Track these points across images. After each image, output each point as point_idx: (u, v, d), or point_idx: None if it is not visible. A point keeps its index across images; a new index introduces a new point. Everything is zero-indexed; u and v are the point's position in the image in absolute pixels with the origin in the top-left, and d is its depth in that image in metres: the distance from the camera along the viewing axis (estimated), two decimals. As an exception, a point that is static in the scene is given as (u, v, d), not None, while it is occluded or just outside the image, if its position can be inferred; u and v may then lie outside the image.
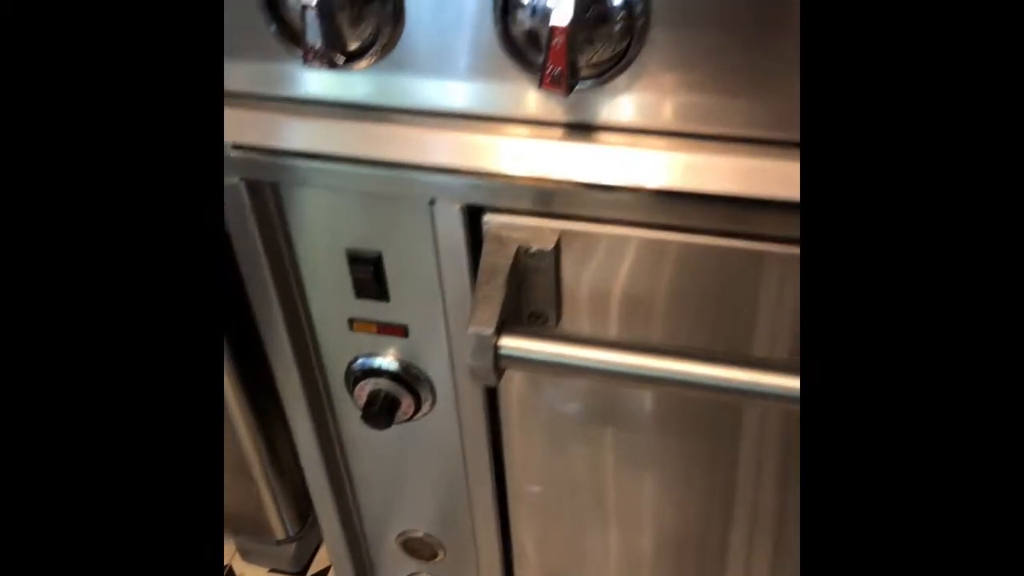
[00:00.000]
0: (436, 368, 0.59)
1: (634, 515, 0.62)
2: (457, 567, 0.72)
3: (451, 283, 0.54)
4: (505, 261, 0.49)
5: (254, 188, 0.52)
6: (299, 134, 0.49)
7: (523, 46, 0.44)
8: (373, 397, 0.61)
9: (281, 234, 0.56)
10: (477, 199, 0.49)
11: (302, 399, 0.63)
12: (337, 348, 0.61)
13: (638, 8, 0.42)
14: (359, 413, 0.61)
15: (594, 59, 0.43)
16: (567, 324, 0.53)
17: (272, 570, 0.95)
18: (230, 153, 0.50)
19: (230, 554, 0.96)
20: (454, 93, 0.47)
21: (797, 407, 0.45)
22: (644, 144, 0.45)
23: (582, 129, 0.46)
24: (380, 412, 0.61)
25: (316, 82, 0.49)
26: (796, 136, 0.43)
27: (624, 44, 0.43)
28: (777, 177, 0.43)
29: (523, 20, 0.43)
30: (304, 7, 0.43)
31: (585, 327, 0.52)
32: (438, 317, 0.56)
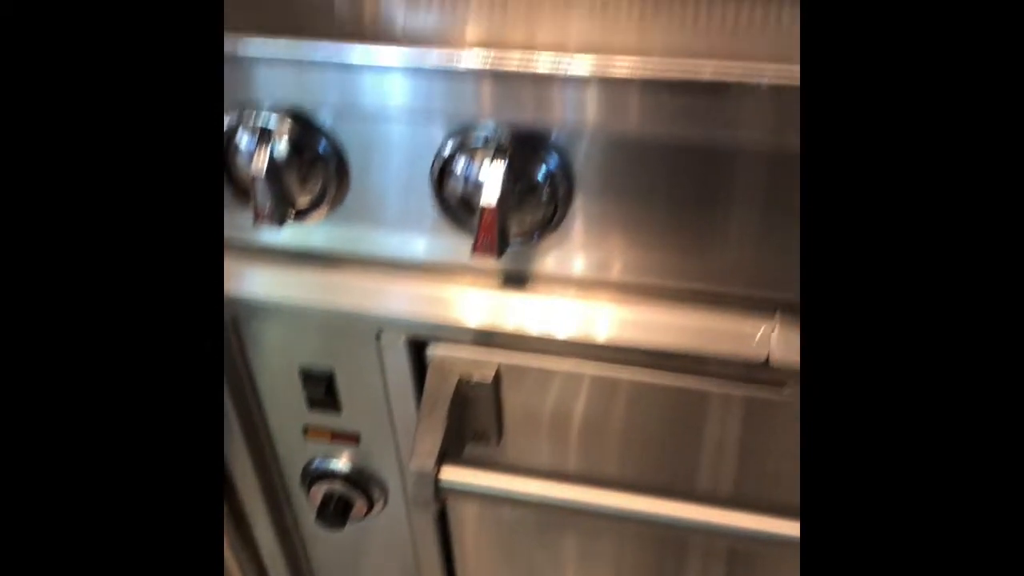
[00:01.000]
0: (387, 471, 0.63)
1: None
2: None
3: (398, 401, 0.57)
4: (447, 392, 0.52)
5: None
6: (253, 281, 0.52)
7: (457, 208, 0.47)
8: (327, 499, 0.64)
9: (237, 351, 0.59)
10: (420, 334, 0.53)
11: (260, 499, 0.66)
12: (293, 452, 0.64)
13: (561, 179, 0.45)
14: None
15: (524, 224, 0.47)
16: (510, 445, 0.56)
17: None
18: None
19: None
20: (398, 244, 0.50)
21: (738, 540, 0.48)
22: (571, 294, 0.49)
23: (515, 279, 0.50)
24: (334, 514, 0.64)
25: (268, 231, 0.52)
26: (714, 287, 0.47)
27: (551, 209, 0.46)
28: (693, 329, 0.47)
29: (456, 187, 0.46)
30: (253, 178, 0.46)
31: (525, 450, 0.56)
32: (387, 427, 0.60)
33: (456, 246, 0.49)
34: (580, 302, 0.49)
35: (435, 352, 0.53)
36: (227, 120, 0.46)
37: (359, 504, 0.64)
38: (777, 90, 0.37)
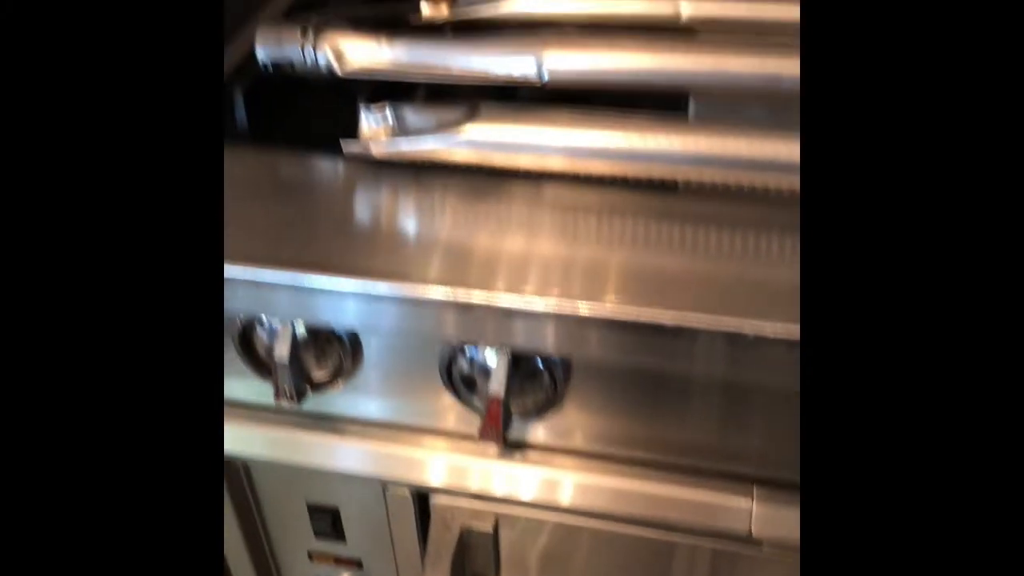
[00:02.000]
0: (388, 591, 0.67)
1: None
2: None
3: (401, 534, 0.61)
4: (451, 541, 0.57)
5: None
6: (261, 442, 0.56)
7: (461, 387, 0.51)
8: (330, 618, 0.68)
9: (246, 484, 0.62)
10: (423, 488, 0.57)
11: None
12: (298, 573, 0.68)
13: (561, 365, 0.49)
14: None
15: (526, 405, 0.51)
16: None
17: None
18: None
19: None
20: (405, 410, 0.54)
21: None
22: (563, 464, 0.53)
23: (514, 447, 0.54)
24: (337, 632, 0.68)
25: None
26: (696, 461, 0.51)
27: (551, 391, 0.51)
28: (678, 501, 0.52)
29: (463, 367, 0.51)
30: (277, 364, 0.50)
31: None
32: (390, 553, 0.64)
33: (460, 415, 0.53)
34: (570, 473, 0.53)
35: (438, 501, 0.57)
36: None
37: (361, 622, 0.68)
38: (734, 337, 0.41)
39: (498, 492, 0.54)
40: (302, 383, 0.52)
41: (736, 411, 0.49)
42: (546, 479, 0.53)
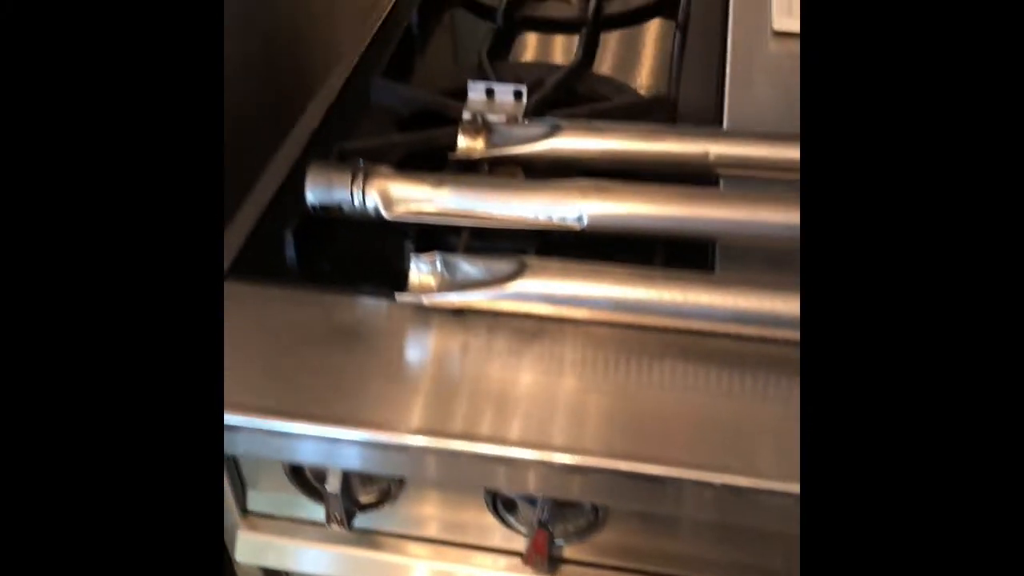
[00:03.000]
0: None
1: None
2: None
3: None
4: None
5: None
6: (305, 558, 0.58)
7: (505, 512, 0.54)
8: None
9: None
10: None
11: None
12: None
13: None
14: None
15: (568, 530, 0.54)
16: None
17: None
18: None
19: None
20: (450, 527, 0.57)
21: None
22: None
23: (560, 562, 0.56)
24: None
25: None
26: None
27: (593, 516, 0.53)
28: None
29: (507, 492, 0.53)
30: (329, 494, 0.52)
31: None
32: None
33: (505, 532, 0.56)
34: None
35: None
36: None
37: None
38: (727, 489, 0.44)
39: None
40: (352, 508, 0.54)
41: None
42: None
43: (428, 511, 0.57)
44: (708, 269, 0.54)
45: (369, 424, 0.46)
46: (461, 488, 0.53)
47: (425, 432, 0.46)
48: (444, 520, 0.57)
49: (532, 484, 0.47)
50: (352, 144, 0.61)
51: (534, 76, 0.70)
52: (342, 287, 0.54)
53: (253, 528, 0.59)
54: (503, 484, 0.50)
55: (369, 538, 0.58)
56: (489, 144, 0.58)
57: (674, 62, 0.69)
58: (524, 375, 0.49)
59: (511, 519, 0.55)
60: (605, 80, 0.69)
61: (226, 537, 0.58)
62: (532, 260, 0.49)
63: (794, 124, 0.45)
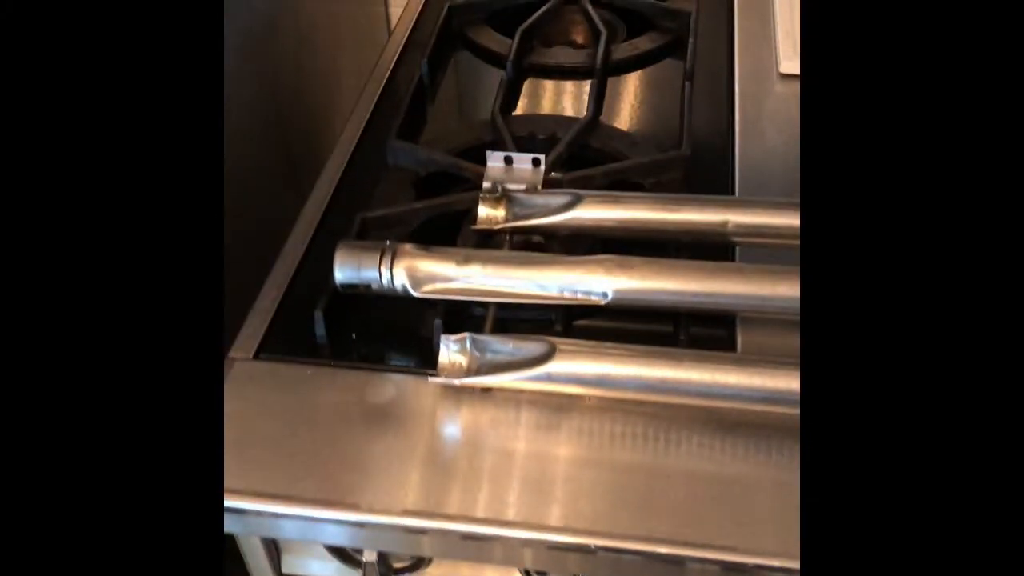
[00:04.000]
0: None
1: None
2: None
3: None
4: None
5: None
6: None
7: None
8: None
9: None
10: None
11: None
12: None
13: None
14: None
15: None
16: None
17: None
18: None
19: None
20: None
21: None
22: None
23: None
24: None
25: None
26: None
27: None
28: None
29: (538, 561, 0.55)
30: (365, 563, 0.54)
31: None
32: None
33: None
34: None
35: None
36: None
37: None
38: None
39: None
40: (388, 574, 0.56)
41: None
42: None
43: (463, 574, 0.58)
44: (729, 331, 0.55)
45: (401, 512, 0.47)
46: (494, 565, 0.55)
47: (458, 519, 0.47)
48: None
49: (569, 565, 0.49)
50: (373, 212, 0.61)
51: (547, 130, 0.71)
52: (372, 364, 0.55)
53: (289, 593, 0.60)
54: (531, 565, 0.51)
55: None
56: (510, 214, 0.59)
57: (684, 113, 0.70)
58: (552, 454, 0.50)
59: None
60: (618, 134, 0.70)
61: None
62: (561, 342, 0.51)
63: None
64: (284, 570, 0.60)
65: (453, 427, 0.52)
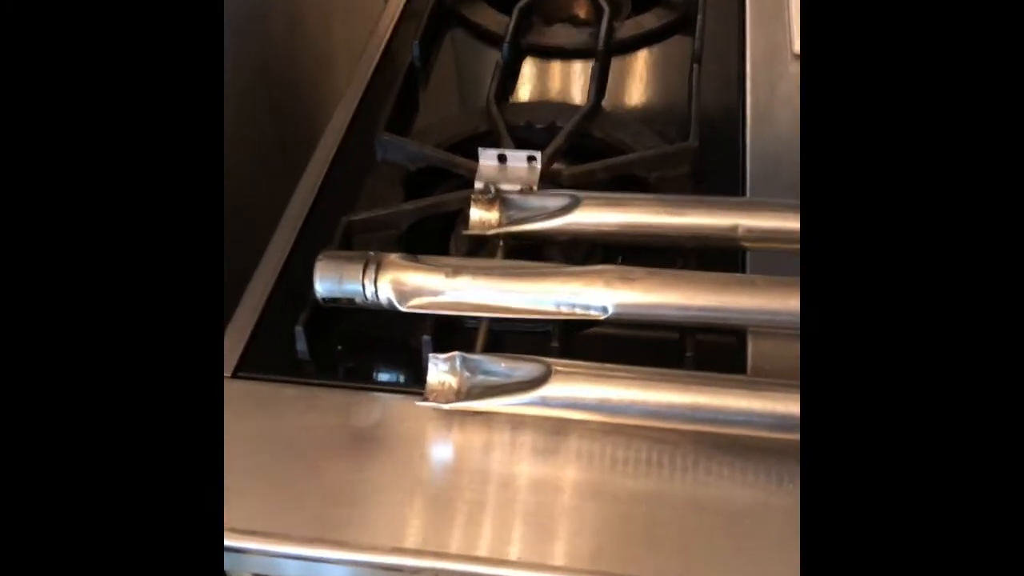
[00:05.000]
0: None
1: None
2: None
3: None
4: None
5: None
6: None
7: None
8: None
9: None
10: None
11: None
12: None
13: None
14: None
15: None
16: None
17: None
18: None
19: None
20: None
21: None
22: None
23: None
24: None
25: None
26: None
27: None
28: None
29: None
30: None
31: None
32: None
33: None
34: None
35: None
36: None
37: None
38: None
39: None
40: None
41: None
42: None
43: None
44: (739, 339, 0.52)
45: (396, 551, 0.44)
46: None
47: (460, 559, 0.44)
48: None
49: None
50: (359, 215, 0.58)
51: (546, 119, 0.66)
52: (357, 383, 0.52)
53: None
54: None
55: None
56: (504, 217, 0.55)
57: (692, 100, 0.65)
58: (552, 483, 0.46)
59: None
60: (621, 122, 0.66)
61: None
62: (558, 364, 0.47)
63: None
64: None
65: (445, 452, 0.48)
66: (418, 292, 0.50)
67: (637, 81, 0.73)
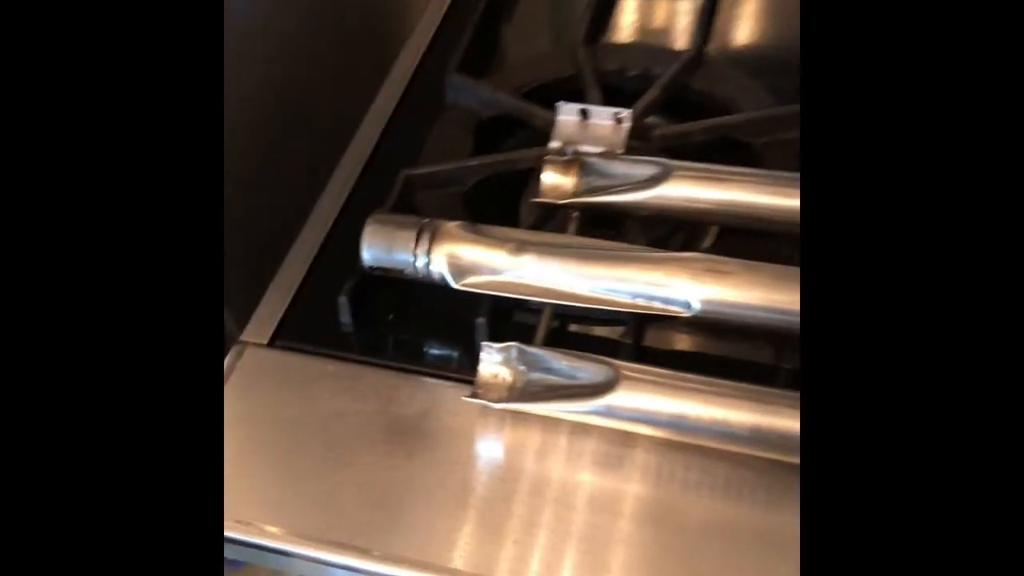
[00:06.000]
0: None
1: None
2: None
3: None
4: None
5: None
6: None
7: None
8: None
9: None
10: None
11: None
12: None
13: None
14: None
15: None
16: None
17: None
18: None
19: None
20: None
21: None
22: None
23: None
24: None
25: None
26: None
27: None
28: None
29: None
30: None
31: None
32: None
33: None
34: None
35: None
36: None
37: None
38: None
39: None
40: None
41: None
42: None
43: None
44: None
45: (426, 566, 0.39)
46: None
47: (490, 580, 0.39)
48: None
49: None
50: (419, 169, 0.51)
51: (641, 65, 0.58)
52: (403, 363, 0.46)
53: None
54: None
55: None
56: (582, 184, 0.48)
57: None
58: (612, 503, 0.40)
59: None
60: (727, 74, 0.57)
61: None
62: (629, 369, 0.40)
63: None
64: None
65: (494, 454, 0.43)
66: (475, 269, 0.44)
67: (750, 26, 0.63)
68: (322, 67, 0.69)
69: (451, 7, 0.66)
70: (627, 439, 0.42)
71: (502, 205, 0.53)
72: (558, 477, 0.42)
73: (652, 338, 0.45)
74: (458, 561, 0.39)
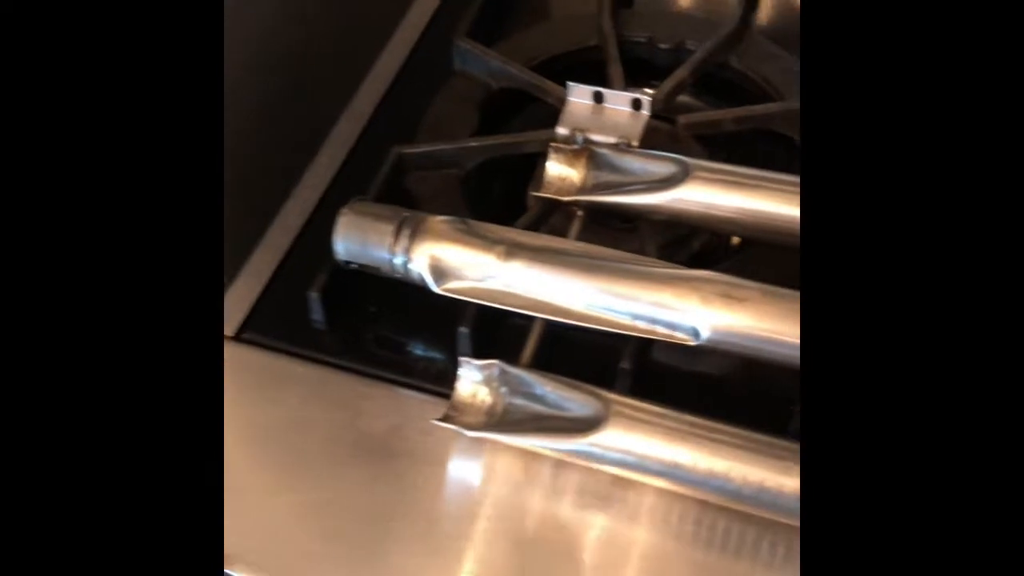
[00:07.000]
0: None
1: None
2: None
3: None
4: None
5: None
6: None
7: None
8: None
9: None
10: None
11: None
12: None
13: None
14: None
15: None
16: None
17: None
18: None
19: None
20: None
21: None
22: None
23: None
24: None
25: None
26: None
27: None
28: None
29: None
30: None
31: None
32: None
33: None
34: None
35: None
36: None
37: None
38: None
39: None
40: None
41: None
42: None
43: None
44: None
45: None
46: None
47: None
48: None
49: None
50: (414, 148, 0.46)
51: (674, 37, 0.52)
52: (376, 369, 0.42)
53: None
54: None
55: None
56: (589, 179, 0.42)
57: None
58: (605, 548, 0.36)
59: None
60: (771, 52, 0.50)
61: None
62: (620, 404, 0.35)
63: None
64: None
65: (466, 486, 0.38)
66: (459, 272, 0.39)
67: (802, -5, 0.56)
68: (323, 26, 0.63)
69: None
70: (617, 477, 0.37)
71: (506, 192, 0.48)
72: (536, 515, 0.37)
73: (654, 361, 0.40)
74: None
